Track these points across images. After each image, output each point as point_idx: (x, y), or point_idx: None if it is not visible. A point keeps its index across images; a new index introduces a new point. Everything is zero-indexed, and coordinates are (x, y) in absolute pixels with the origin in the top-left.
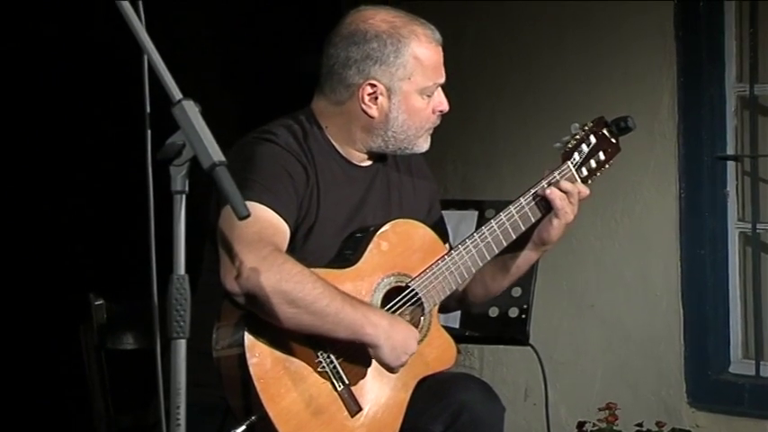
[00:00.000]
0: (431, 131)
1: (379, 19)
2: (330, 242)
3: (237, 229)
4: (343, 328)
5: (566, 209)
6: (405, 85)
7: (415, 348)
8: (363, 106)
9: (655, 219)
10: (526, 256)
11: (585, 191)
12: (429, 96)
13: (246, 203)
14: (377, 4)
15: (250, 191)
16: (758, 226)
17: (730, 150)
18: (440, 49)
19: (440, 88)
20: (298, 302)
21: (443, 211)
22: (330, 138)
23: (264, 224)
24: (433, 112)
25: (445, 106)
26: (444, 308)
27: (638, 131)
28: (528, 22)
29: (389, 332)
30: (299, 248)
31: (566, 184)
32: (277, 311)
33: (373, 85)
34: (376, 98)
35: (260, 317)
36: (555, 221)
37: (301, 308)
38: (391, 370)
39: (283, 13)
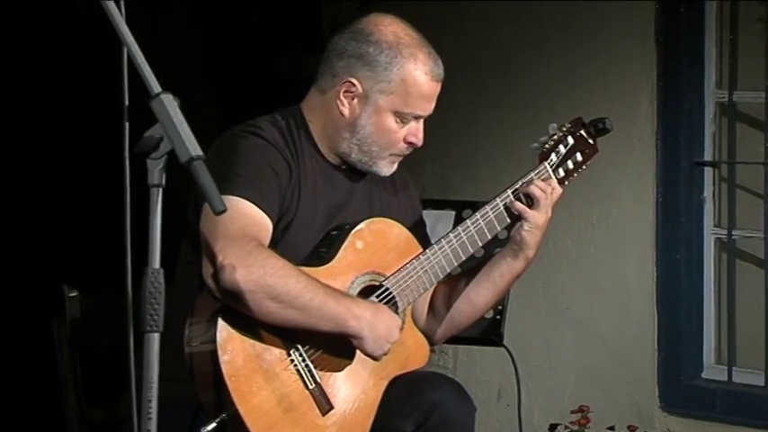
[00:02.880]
0: (398, 159)
1: (390, 29)
2: (306, 240)
3: (222, 225)
4: (326, 322)
5: (543, 202)
6: (381, 99)
7: (398, 336)
8: (338, 101)
9: (631, 223)
10: (510, 266)
11: (559, 189)
12: (403, 122)
13: (230, 198)
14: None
15: (234, 186)
16: (734, 232)
17: (708, 156)
18: (435, 84)
19: (420, 121)
20: (281, 297)
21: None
22: (313, 135)
23: (249, 221)
24: (405, 140)
25: (418, 140)
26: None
27: (617, 136)
28: (508, 24)
29: (372, 323)
30: (275, 244)
31: (540, 182)
32: (260, 307)
33: (353, 84)
34: (352, 98)
35: (234, 314)
36: (526, 225)
37: (285, 302)
38: (374, 359)
39: (264, 9)
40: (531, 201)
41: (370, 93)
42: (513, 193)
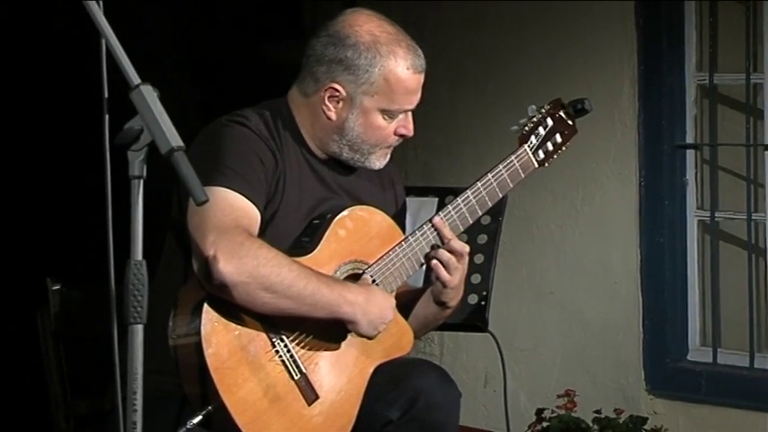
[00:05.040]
0: (390, 150)
1: (366, 29)
2: (290, 231)
3: (213, 218)
4: (320, 309)
5: (452, 266)
6: (366, 100)
7: (393, 316)
8: (323, 106)
9: (614, 207)
10: (435, 315)
11: (464, 249)
12: (391, 117)
13: (220, 190)
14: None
15: (224, 177)
16: (717, 214)
17: (690, 139)
18: (418, 77)
19: (409, 113)
20: (275, 287)
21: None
22: (301, 130)
23: (240, 213)
24: (396, 133)
25: (408, 131)
26: None
27: (599, 120)
28: (489, 10)
29: (366, 307)
30: (261, 234)
31: (444, 256)
32: (255, 298)
33: (336, 90)
34: (337, 102)
35: (218, 305)
36: (439, 287)
37: (278, 292)
38: (369, 338)
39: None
40: (443, 265)
41: (354, 95)
42: (424, 257)
